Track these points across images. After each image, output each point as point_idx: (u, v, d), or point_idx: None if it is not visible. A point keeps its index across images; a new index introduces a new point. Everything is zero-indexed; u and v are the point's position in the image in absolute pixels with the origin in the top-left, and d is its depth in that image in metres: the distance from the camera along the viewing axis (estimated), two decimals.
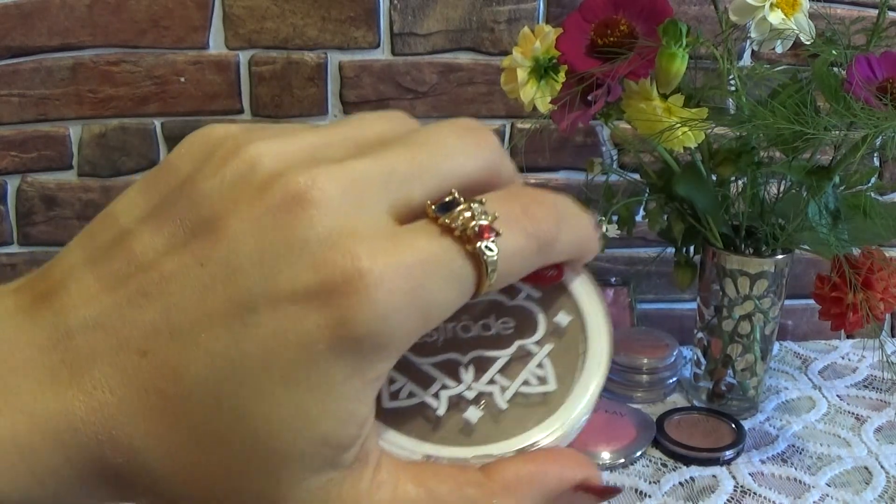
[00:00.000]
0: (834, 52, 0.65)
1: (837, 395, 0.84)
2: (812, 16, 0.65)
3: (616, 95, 0.65)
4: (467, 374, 0.25)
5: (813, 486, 0.70)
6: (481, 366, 0.25)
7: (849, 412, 0.81)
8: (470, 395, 0.25)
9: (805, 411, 0.81)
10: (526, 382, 0.25)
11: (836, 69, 0.65)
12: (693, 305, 0.80)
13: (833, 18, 0.68)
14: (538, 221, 0.22)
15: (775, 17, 0.62)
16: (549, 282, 0.27)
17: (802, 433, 0.78)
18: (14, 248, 0.89)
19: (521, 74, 0.71)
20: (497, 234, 0.21)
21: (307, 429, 0.20)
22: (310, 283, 0.19)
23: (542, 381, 0.25)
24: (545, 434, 0.24)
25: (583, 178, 0.77)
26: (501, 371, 0.25)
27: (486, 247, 0.21)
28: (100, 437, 0.20)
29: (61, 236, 0.89)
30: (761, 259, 0.73)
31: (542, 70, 0.71)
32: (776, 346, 0.91)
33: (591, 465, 0.24)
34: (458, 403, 0.25)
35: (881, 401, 0.84)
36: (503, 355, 0.26)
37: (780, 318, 0.77)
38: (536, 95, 0.71)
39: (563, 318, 0.27)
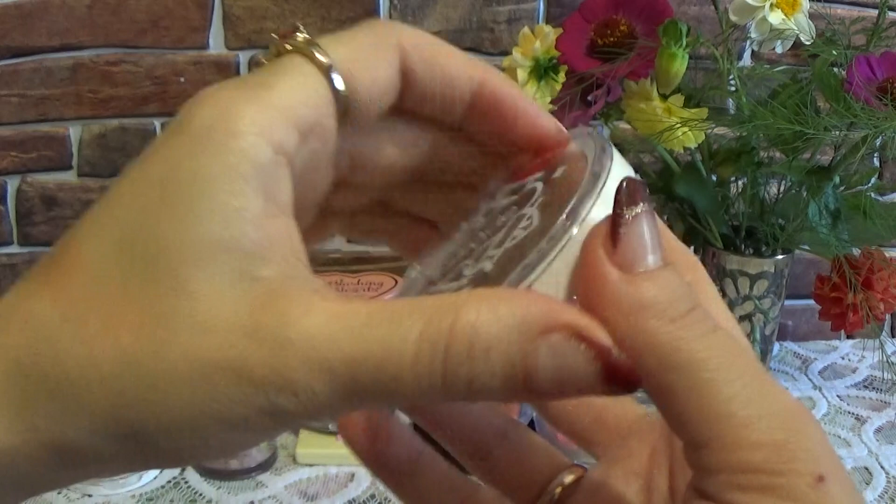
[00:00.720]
0: (834, 52, 0.65)
1: (837, 396, 0.84)
2: (812, 16, 0.65)
3: (616, 95, 0.65)
4: (468, 269, 0.23)
5: None
6: (480, 254, 0.23)
7: (849, 412, 0.81)
8: (465, 282, 0.23)
9: None
10: (513, 238, 0.22)
11: (836, 69, 0.65)
12: None
13: (833, 18, 0.68)
14: None
15: (775, 18, 0.62)
16: (552, 148, 0.25)
17: None
18: (14, 248, 0.89)
19: (522, 75, 0.71)
20: (299, 30, 0.22)
21: (190, 230, 0.19)
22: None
23: (527, 227, 0.22)
24: (521, 279, 0.20)
25: None
26: (495, 245, 0.23)
27: (291, 40, 0.22)
28: (14, 334, 0.19)
29: (61, 236, 0.89)
30: (761, 259, 0.73)
31: (542, 70, 0.71)
32: (776, 346, 0.91)
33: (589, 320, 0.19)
34: None
35: (881, 401, 0.84)
36: (498, 234, 0.23)
37: (780, 318, 0.77)
38: (536, 96, 0.71)
39: (559, 172, 0.24)
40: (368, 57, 0.22)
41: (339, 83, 0.21)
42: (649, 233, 0.20)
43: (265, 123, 0.20)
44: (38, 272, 0.21)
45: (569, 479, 0.26)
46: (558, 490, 0.26)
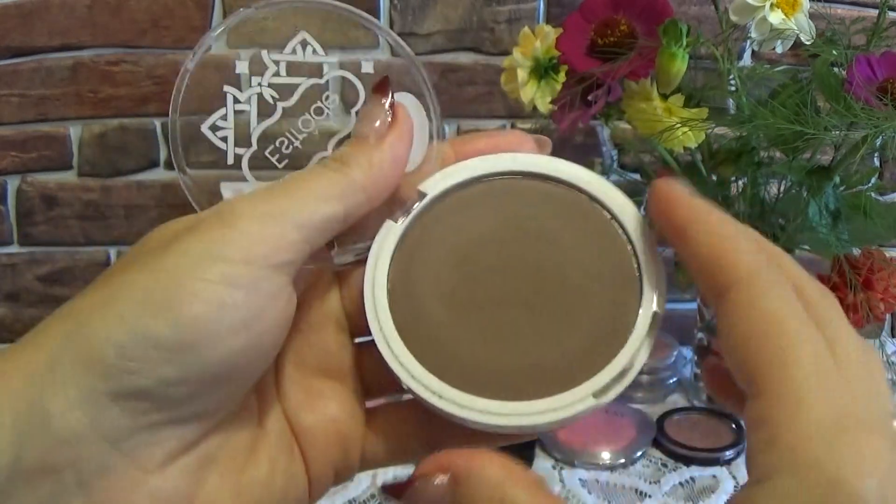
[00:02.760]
0: (834, 52, 0.65)
1: None
2: (812, 16, 0.64)
3: (616, 95, 0.65)
4: None
5: None
6: None
7: None
8: None
9: None
10: None
11: (836, 69, 0.65)
12: (693, 305, 0.80)
13: (833, 18, 0.68)
14: None
15: (775, 18, 0.61)
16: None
17: None
18: (14, 248, 0.89)
19: (522, 74, 0.71)
20: None
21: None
22: None
23: None
24: None
25: None
26: None
27: None
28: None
29: (61, 236, 0.89)
30: None
31: (542, 70, 0.71)
32: None
33: None
34: None
35: None
36: None
37: None
38: (537, 95, 0.71)
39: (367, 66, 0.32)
40: None
41: None
42: None
43: None
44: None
45: None
46: None
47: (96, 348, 0.23)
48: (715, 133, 0.70)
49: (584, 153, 0.85)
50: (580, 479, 0.69)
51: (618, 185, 0.28)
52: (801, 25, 0.63)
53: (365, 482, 0.68)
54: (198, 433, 0.25)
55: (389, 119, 0.29)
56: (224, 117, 0.30)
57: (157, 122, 0.87)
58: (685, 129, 0.63)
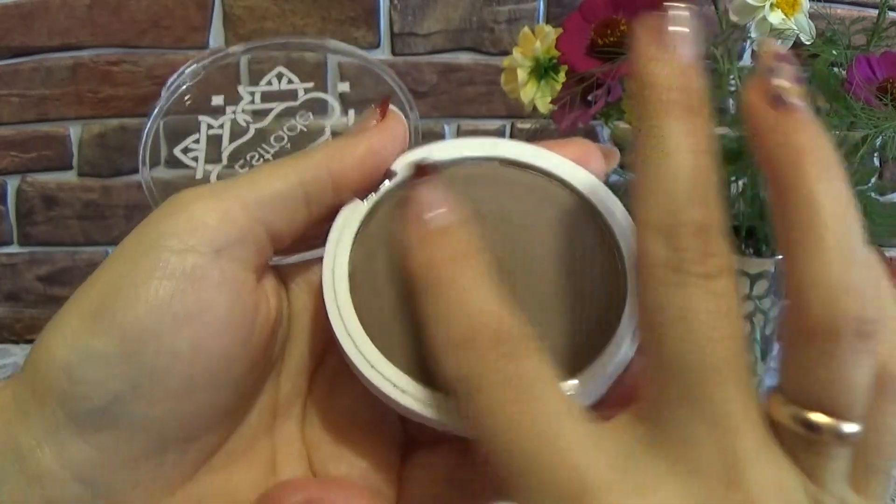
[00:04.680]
0: (834, 52, 0.65)
1: None
2: (812, 16, 0.65)
3: (616, 95, 0.65)
4: None
5: None
6: None
7: None
8: None
9: None
10: None
11: (836, 69, 0.65)
12: None
13: (833, 18, 0.68)
14: None
15: (775, 18, 0.62)
16: None
17: None
18: (14, 248, 0.89)
19: (522, 74, 0.71)
20: None
21: None
22: None
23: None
24: None
25: None
26: None
27: None
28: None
29: (61, 236, 0.89)
30: (761, 259, 0.73)
31: (542, 70, 0.71)
32: (776, 346, 0.91)
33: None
34: None
35: None
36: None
37: (780, 318, 0.77)
38: (537, 95, 0.71)
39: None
40: None
41: None
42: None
43: None
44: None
45: None
46: None
47: (48, 374, 0.21)
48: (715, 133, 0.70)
49: None
50: None
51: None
52: (801, 25, 0.63)
53: None
54: (183, 469, 0.23)
55: (376, 121, 0.27)
56: (196, 140, 0.31)
57: (159, 122, 0.87)
58: None
